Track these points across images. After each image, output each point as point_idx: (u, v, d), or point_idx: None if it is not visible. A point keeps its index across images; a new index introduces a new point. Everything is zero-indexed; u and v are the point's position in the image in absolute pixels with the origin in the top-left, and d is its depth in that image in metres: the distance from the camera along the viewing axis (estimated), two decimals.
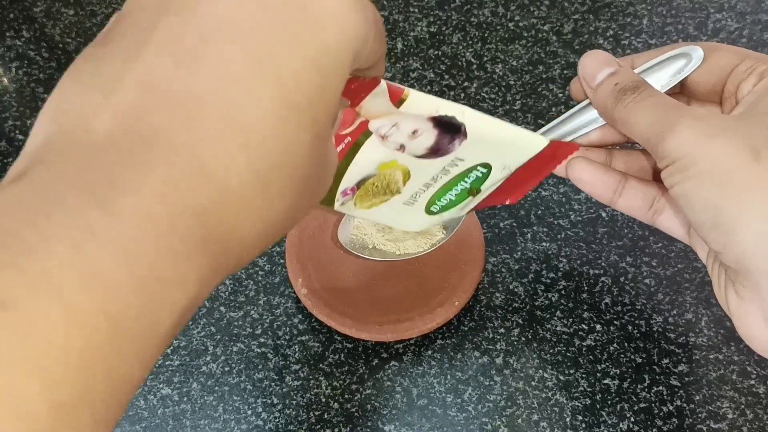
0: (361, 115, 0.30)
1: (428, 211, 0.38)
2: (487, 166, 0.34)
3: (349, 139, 0.32)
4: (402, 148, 0.32)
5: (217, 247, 0.18)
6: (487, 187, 0.36)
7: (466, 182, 0.35)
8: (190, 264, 0.17)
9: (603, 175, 0.35)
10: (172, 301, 0.17)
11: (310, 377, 0.46)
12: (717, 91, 0.33)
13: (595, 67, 0.33)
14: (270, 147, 0.18)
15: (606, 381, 0.46)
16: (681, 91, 0.34)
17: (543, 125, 0.36)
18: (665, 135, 0.29)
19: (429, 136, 0.32)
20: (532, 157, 0.34)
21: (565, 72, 0.59)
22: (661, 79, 0.33)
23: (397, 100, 0.29)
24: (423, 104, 0.30)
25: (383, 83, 0.28)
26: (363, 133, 0.32)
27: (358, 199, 0.36)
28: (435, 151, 0.33)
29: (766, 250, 0.27)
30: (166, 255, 0.17)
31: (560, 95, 0.58)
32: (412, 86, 0.59)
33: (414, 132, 0.31)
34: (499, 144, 0.33)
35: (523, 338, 0.47)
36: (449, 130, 0.32)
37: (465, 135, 0.32)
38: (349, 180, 0.34)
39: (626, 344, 0.47)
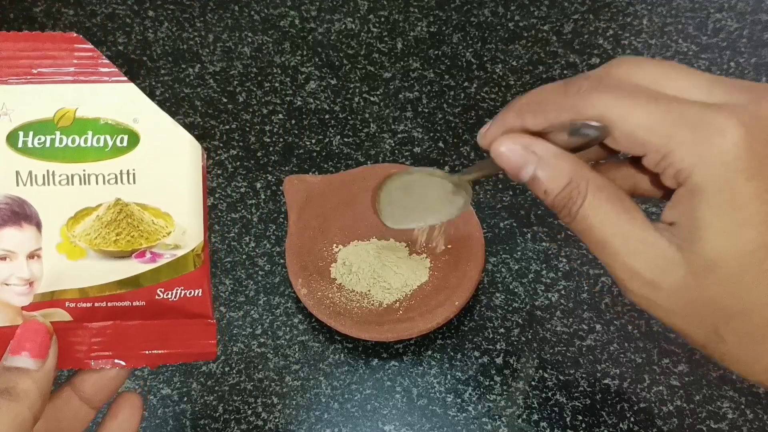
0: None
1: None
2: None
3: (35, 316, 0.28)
4: (30, 262, 0.28)
5: None
6: None
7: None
8: None
9: None
10: None
11: (310, 377, 0.46)
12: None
13: (515, 165, 0.29)
14: None
15: (606, 381, 0.46)
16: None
17: None
18: (623, 291, 0.28)
19: (10, 242, 0.27)
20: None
21: (565, 72, 0.59)
22: (571, 144, 0.28)
23: None
24: None
25: None
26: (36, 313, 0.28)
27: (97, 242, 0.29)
28: (16, 223, 0.27)
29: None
30: None
31: None
32: (412, 86, 0.59)
33: (2, 259, 0.27)
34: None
35: (523, 338, 0.47)
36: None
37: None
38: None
39: (626, 344, 0.47)
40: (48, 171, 0.27)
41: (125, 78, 0.27)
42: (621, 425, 0.44)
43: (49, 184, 0.27)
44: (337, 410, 0.45)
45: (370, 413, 0.45)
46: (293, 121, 0.58)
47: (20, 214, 0.27)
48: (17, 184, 0.27)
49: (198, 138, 0.28)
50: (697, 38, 0.61)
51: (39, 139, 0.27)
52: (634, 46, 0.61)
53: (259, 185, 0.54)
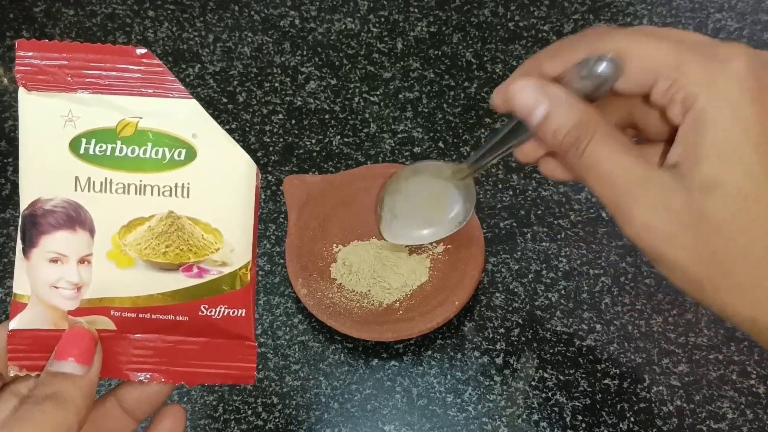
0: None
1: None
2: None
3: (81, 321, 0.28)
4: (80, 267, 0.28)
5: None
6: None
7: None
8: None
9: None
10: None
11: (310, 377, 0.46)
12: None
13: (529, 104, 0.30)
14: None
15: (606, 381, 0.46)
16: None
17: None
18: (622, 227, 0.29)
19: (60, 245, 0.28)
20: None
21: None
22: (585, 89, 0.30)
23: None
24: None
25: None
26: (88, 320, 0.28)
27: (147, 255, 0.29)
28: (71, 227, 0.28)
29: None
30: None
31: None
32: (412, 86, 0.59)
33: (54, 262, 0.28)
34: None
35: (523, 338, 0.47)
36: (50, 226, 0.28)
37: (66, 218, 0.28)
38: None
39: (626, 344, 0.47)
40: (106, 179, 0.27)
41: (188, 94, 0.27)
42: (621, 425, 0.44)
43: (105, 192, 0.27)
44: (337, 410, 0.45)
45: (370, 413, 0.45)
46: (293, 121, 0.58)
47: (75, 218, 0.27)
48: (75, 189, 0.27)
49: None
50: None
51: (100, 147, 0.27)
52: None
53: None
